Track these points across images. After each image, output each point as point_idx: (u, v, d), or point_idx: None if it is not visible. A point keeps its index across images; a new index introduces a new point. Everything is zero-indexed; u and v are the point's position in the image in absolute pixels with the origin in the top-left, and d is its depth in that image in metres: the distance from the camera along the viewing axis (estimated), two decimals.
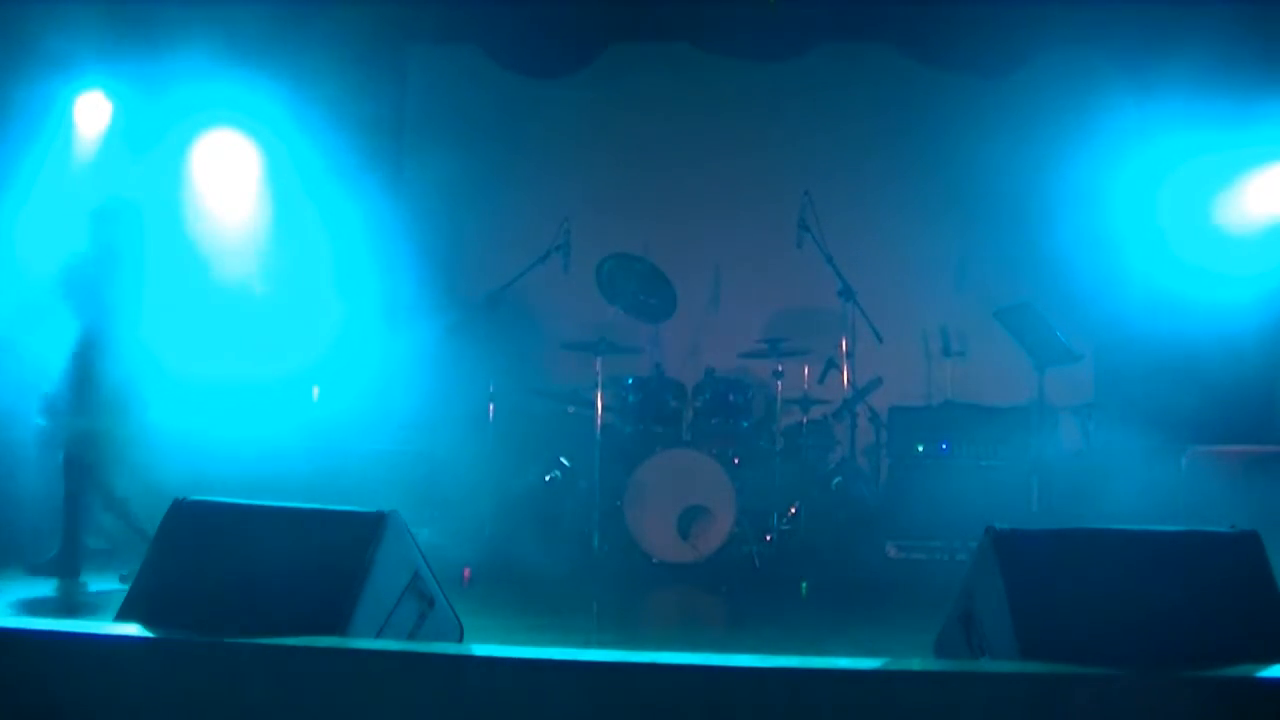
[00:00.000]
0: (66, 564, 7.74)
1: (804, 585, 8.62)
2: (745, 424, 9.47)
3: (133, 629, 4.71)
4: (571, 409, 9.77)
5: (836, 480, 9.48)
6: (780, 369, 9.37)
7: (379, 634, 4.84)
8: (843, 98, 10.87)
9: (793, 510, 9.36)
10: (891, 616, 7.43)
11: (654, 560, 8.83)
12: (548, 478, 9.41)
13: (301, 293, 9.88)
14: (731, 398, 9.40)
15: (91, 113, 9.76)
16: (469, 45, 10.90)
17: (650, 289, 9.84)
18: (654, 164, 10.97)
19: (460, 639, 5.36)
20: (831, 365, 9.75)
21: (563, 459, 9.47)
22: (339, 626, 4.66)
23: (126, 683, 4.46)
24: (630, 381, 9.54)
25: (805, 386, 9.67)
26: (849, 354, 9.61)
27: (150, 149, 9.74)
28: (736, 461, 9.31)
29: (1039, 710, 4.14)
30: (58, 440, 7.90)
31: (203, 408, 8.71)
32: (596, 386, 9.27)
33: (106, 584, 7.64)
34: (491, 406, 9.42)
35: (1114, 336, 10.35)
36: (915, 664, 4.58)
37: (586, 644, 4.81)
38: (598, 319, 9.81)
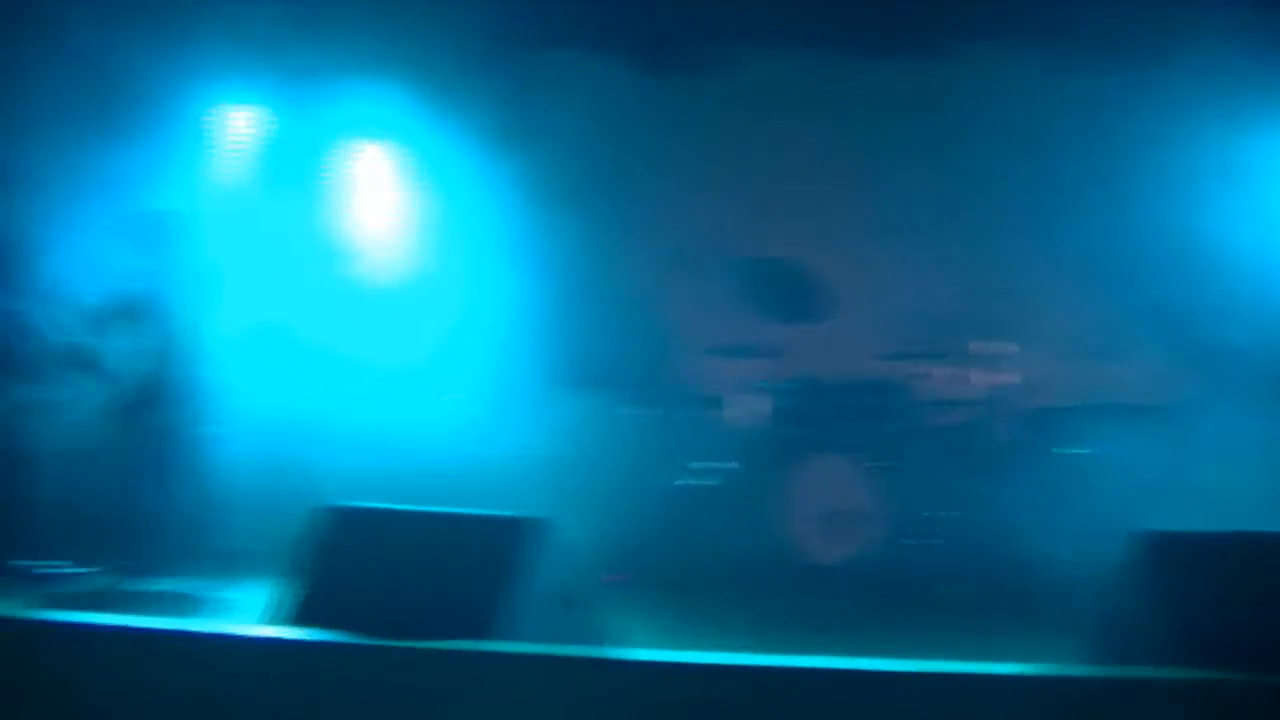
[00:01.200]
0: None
1: (951, 590, 8.53)
2: (891, 426, 9.36)
3: (284, 631, 4.79)
4: (713, 413, 9.74)
5: (984, 483, 9.34)
6: (926, 371, 9.26)
7: (524, 637, 4.86)
8: (985, 97, 10.68)
9: (940, 514, 9.25)
10: (1042, 620, 7.31)
11: (799, 564, 8.78)
12: (691, 482, 9.40)
13: (441, 296, 9.97)
14: (876, 400, 9.31)
15: (240, 126, 9.99)
16: (600, 51, 10.89)
17: (791, 291, 9.78)
18: (788, 166, 10.85)
19: (604, 642, 5.37)
20: (979, 366, 9.61)
21: (706, 463, 9.44)
22: (485, 629, 4.69)
23: (277, 684, 4.53)
24: (772, 385, 9.49)
25: (952, 388, 9.54)
26: (997, 355, 9.47)
27: (295, 160, 9.92)
28: (882, 465, 9.21)
29: (1192, 717, 4.05)
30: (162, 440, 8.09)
31: (347, 405, 8.86)
32: (739, 390, 9.23)
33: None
34: (635, 411, 9.42)
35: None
36: (1067, 669, 4.50)
37: (731, 647, 4.78)
38: (739, 322, 9.76)
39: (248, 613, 6.47)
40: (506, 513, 5.13)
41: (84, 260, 8.67)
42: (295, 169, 10.01)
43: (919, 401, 9.30)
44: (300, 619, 4.85)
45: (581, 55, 10.94)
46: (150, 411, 8.13)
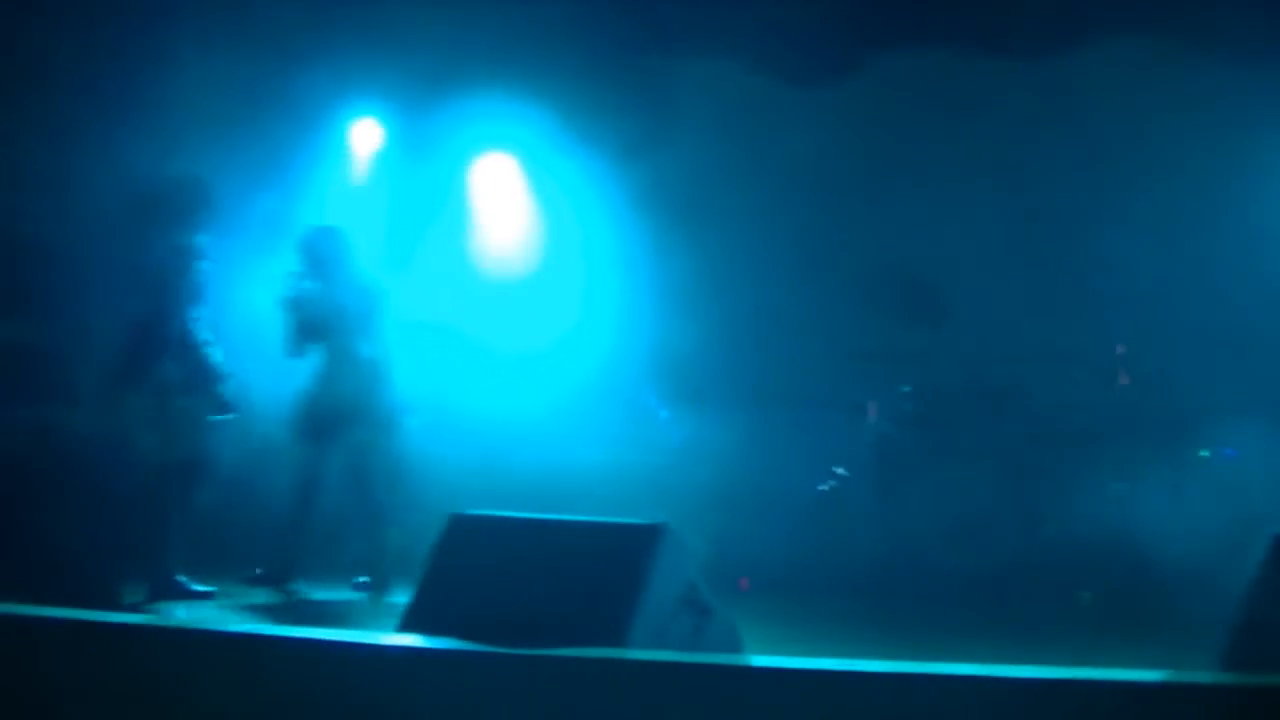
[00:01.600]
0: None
1: (1085, 595, 8.36)
2: (1025, 429, 9.23)
3: (413, 640, 4.79)
4: (847, 418, 9.65)
5: (1118, 487, 9.15)
6: (1061, 373, 9.11)
7: (656, 645, 4.80)
8: (1128, 97, 10.42)
9: (1072, 518, 9.06)
10: (1180, 623, 7.10)
11: (936, 569, 8.65)
12: (824, 487, 9.32)
13: (573, 304, 9.99)
14: (1008, 404, 9.19)
15: (365, 138, 10.13)
16: (726, 58, 10.83)
17: (928, 295, 9.69)
18: (925, 170, 10.70)
19: (738, 650, 5.29)
20: (1116, 368, 9.43)
21: (839, 468, 9.36)
22: (616, 638, 4.64)
23: (405, 694, 4.53)
24: (906, 390, 9.40)
25: (1087, 390, 9.36)
26: (1135, 357, 9.27)
27: (420, 172, 10.01)
28: (1014, 467, 9.07)
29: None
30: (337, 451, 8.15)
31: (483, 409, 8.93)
32: (871, 394, 9.16)
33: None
34: (767, 415, 9.36)
35: None
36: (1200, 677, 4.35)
37: (869, 654, 4.69)
38: (876, 326, 9.66)
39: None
40: (637, 520, 5.09)
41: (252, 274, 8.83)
42: (426, 180, 10.10)
43: (1056, 403, 9.15)
44: (429, 628, 4.84)
45: (713, 63, 10.90)
46: (339, 424, 8.18)
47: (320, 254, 8.35)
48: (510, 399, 9.47)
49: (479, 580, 5.04)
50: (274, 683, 4.71)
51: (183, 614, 7.23)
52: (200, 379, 7.76)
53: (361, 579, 8.16)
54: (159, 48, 9.94)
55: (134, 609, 7.06)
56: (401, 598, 5.20)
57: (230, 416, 7.97)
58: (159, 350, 7.66)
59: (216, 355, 7.89)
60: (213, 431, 7.91)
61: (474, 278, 10.04)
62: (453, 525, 5.30)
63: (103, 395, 7.91)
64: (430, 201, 10.07)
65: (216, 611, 7.39)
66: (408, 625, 4.99)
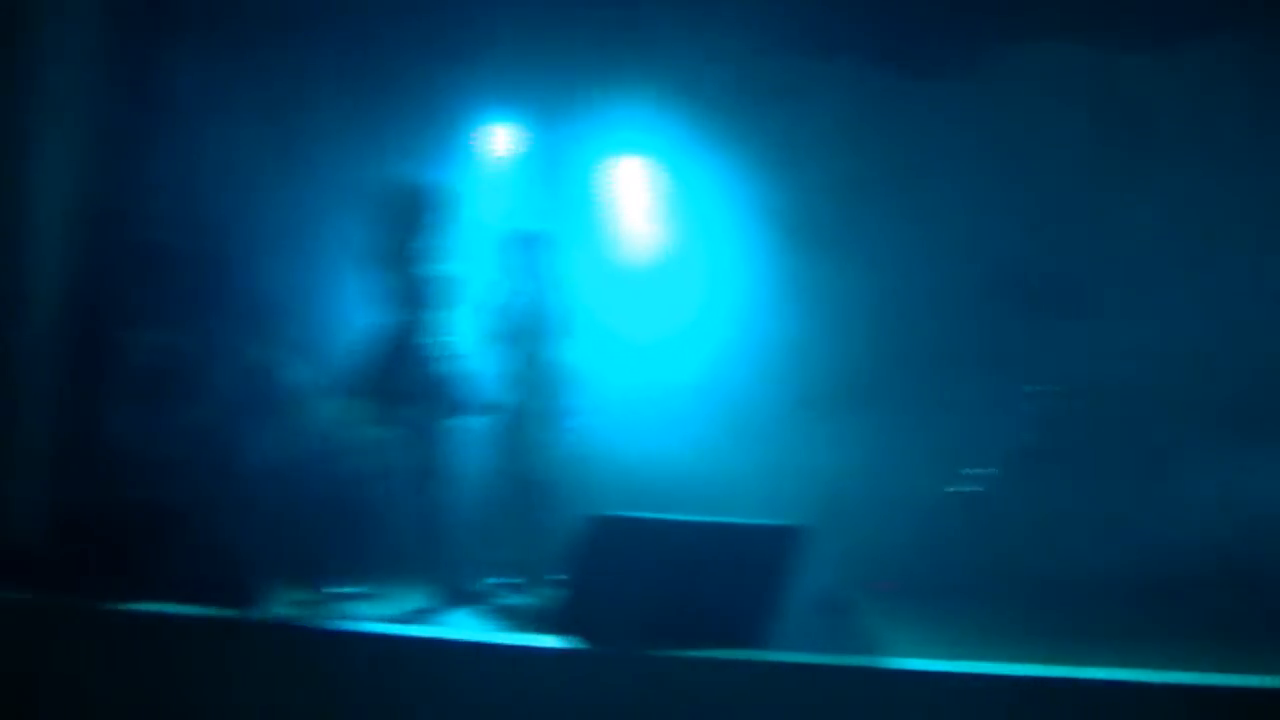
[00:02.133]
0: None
1: (1227, 600, 8.22)
2: (1161, 433, 9.10)
3: (557, 640, 4.86)
4: (978, 419, 9.59)
5: (1266, 486, 9.00)
6: (1203, 370, 8.98)
7: (794, 646, 4.83)
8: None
9: (1214, 520, 8.92)
10: None
11: (1071, 570, 8.56)
12: (960, 488, 9.27)
13: (706, 307, 10.03)
14: (1143, 406, 9.06)
15: (501, 143, 10.28)
16: (858, 54, 10.79)
17: (1056, 294, 9.59)
18: (1053, 166, 10.59)
19: (876, 651, 5.30)
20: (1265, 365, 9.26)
21: (974, 470, 9.31)
22: (755, 639, 4.68)
23: (547, 694, 4.60)
24: (1037, 390, 9.32)
25: (1217, 388, 9.20)
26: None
27: (556, 176, 10.12)
28: (1150, 470, 8.96)
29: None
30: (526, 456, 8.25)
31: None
32: (1007, 394, 9.09)
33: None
34: (902, 416, 9.35)
35: None
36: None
37: (1007, 657, 4.67)
38: (1005, 326, 9.58)
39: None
40: (773, 521, 5.12)
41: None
42: (562, 184, 10.21)
43: (1187, 403, 9.01)
44: (571, 629, 4.91)
45: (845, 60, 10.87)
46: (537, 425, 8.31)
47: (524, 258, 8.48)
48: (652, 402, 9.52)
49: (620, 581, 5.10)
50: (417, 680, 4.82)
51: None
52: (441, 385, 7.85)
53: (515, 579, 8.22)
54: (302, 56, 10.17)
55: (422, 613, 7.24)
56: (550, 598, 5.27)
57: (470, 420, 8.08)
58: (408, 357, 7.76)
59: (455, 361, 8.01)
60: (452, 436, 7.99)
61: (612, 281, 10.09)
62: (595, 526, 5.37)
63: (348, 401, 7.96)
64: (568, 206, 10.16)
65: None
66: (551, 626, 5.07)
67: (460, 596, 7.68)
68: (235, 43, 9.94)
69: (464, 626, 6.89)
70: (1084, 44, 10.16)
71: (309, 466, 8.88)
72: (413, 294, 7.88)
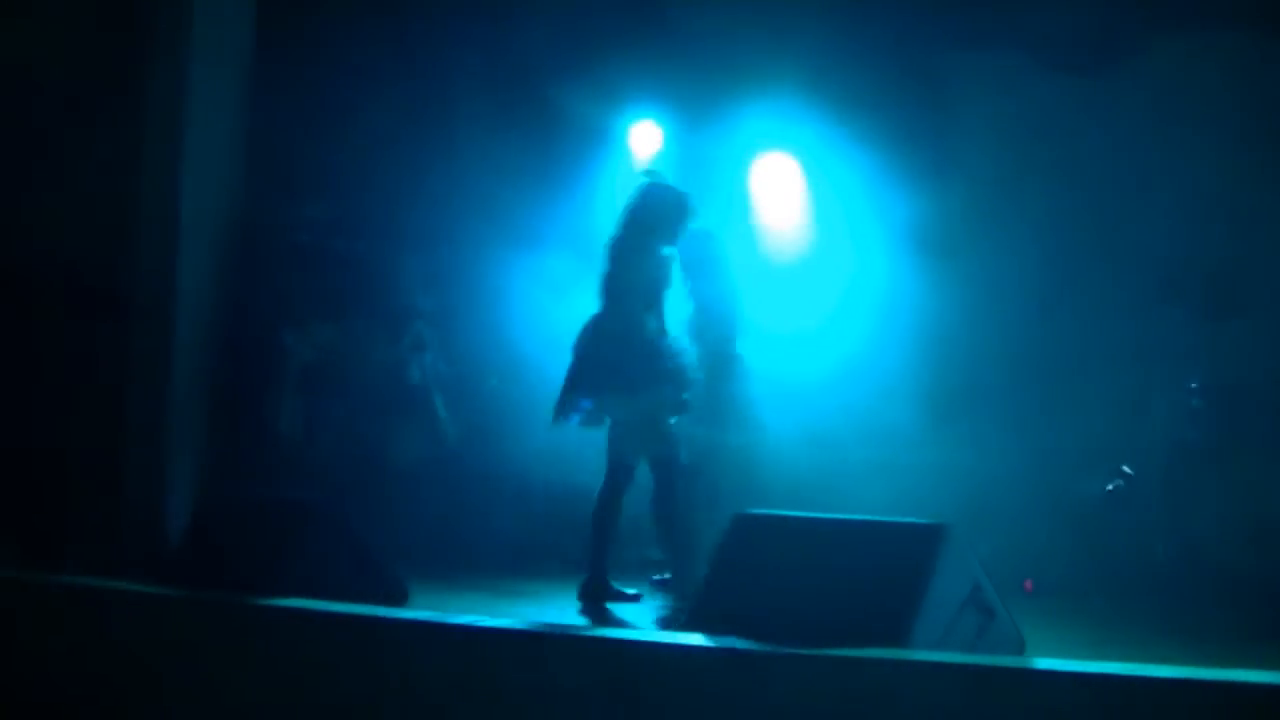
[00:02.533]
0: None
1: None
2: None
3: (696, 638, 4.88)
4: (1133, 417, 9.43)
5: None
6: None
7: (939, 646, 4.81)
8: None
9: None
10: None
11: (1223, 571, 8.39)
12: (1110, 487, 9.14)
13: (851, 304, 9.99)
14: None
15: (644, 141, 10.38)
16: (1007, 49, 10.66)
17: (1214, 291, 9.40)
18: (1207, 160, 10.35)
19: (1022, 652, 5.26)
20: None
21: (1125, 467, 9.16)
22: (899, 638, 4.66)
23: (688, 693, 4.62)
24: (1195, 386, 9.14)
25: None
26: None
27: (699, 174, 10.13)
28: None
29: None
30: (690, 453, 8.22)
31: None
32: (1161, 391, 8.95)
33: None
34: (1051, 413, 9.23)
35: None
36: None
37: (1156, 659, 4.59)
38: (1162, 320, 9.43)
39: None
40: (919, 520, 5.10)
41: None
42: (705, 182, 10.22)
43: None
44: (713, 627, 4.93)
45: (993, 55, 10.74)
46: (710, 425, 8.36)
47: (697, 257, 8.51)
48: (792, 399, 9.49)
49: (763, 579, 5.11)
50: (557, 677, 4.87)
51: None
52: (670, 381, 7.83)
53: (662, 575, 8.23)
54: (440, 58, 10.31)
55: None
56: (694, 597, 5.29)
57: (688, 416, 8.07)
58: (642, 355, 7.75)
59: (682, 358, 8.01)
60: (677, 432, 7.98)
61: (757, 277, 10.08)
62: (737, 524, 5.39)
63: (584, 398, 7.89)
64: (710, 203, 10.18)
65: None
66: (692, 623, 5.09)
67: (613, 595, 7.73)
68: (388, 41, 10.11)
69: (610, 623, 6.94)
70: (1245, 33, 9.93)
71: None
72: (640, 289, 7.84)
